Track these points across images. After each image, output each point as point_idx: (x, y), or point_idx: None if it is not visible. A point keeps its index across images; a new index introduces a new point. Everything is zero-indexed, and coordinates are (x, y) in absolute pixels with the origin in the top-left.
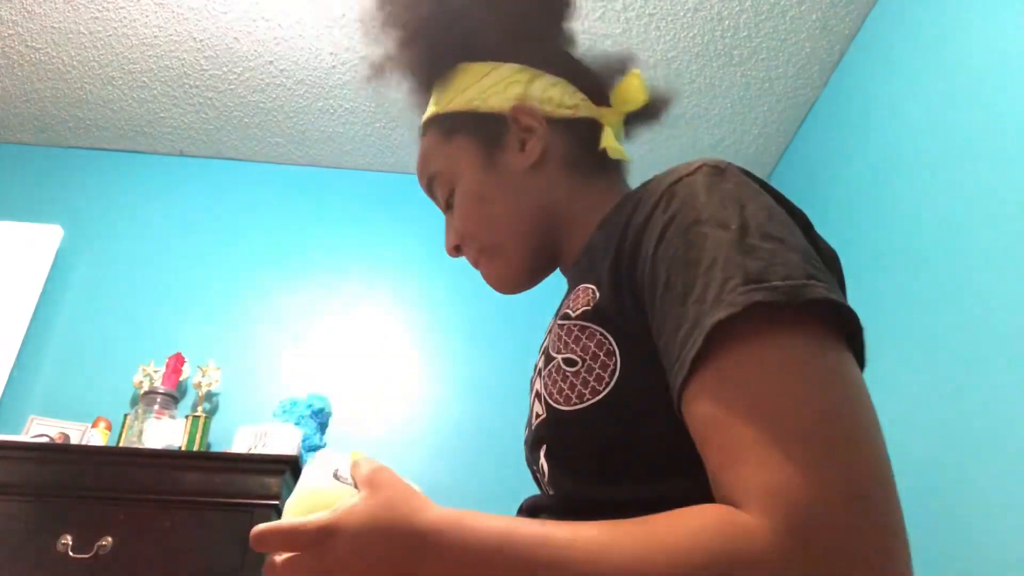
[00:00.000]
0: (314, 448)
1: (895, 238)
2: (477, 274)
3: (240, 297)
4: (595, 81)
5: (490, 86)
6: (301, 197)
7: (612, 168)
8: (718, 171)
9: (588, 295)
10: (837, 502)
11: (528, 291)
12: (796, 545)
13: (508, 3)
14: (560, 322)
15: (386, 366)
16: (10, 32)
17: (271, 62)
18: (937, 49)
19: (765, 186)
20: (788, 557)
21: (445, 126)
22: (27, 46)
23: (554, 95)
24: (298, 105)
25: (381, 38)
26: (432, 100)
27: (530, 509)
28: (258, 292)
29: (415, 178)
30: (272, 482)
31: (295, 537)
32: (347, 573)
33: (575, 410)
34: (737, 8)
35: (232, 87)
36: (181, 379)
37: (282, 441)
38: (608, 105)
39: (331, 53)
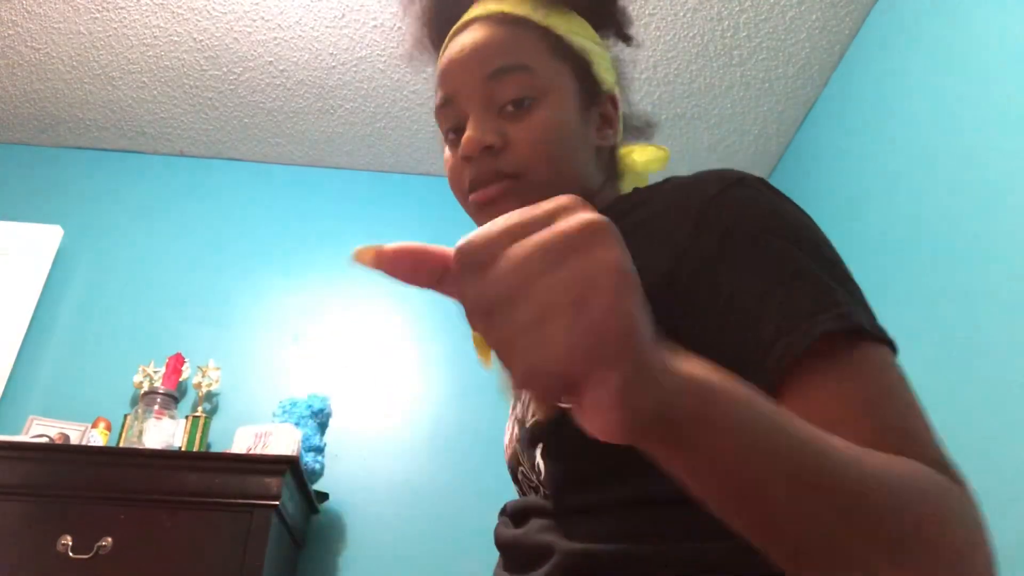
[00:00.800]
0: (314, 448)
1: (895, 238)
2: None
3: (240, 297)
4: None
5: (600, 56)
6: (301, 197)
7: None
8: (760, 183)
9: None
10: (964, 480)
11: None
12: (969, 497)
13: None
14: None
15: (386, 366)
16: (10, 32)
17: (271, 62)
18: (937, 49)
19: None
20: (969, 503)
21: (552, 44)
22: (27, 46)
23: (623, 108)
24: (298, 105)
25: None
26: (514, 2)
27: (519, 512)
28: (258, 292)
29: (415, 178)
30: (272, 482)
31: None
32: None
33: None
34: (737, 8)
35: (232, 87)
36: (181, 379)
37: (282, 441)
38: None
39: (331, 53)
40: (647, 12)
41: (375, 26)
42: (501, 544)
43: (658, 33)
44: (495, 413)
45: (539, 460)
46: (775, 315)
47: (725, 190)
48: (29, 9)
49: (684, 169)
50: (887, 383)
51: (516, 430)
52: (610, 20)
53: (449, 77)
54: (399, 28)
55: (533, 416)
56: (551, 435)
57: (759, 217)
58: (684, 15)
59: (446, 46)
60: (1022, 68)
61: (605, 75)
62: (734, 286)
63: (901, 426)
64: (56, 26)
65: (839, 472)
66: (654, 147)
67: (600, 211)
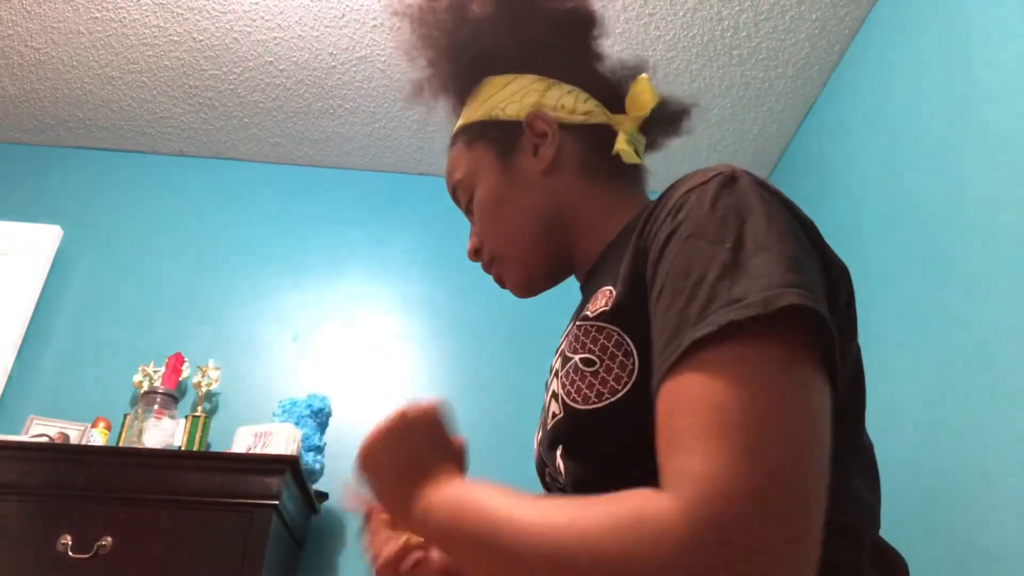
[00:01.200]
0: (314, 448)
1: (896, 237)
2: (478, 274)
3: (240, 297)
4: (610, 89)
5: (509, 95)
6: (301, 197)
7: (629, 175)
8: (729, 181)
9: (606, 296)
10: (747, 495)
11: None
12: (696, 527)
13: (530, 21)
14: (578, 323)
15: (386, 366)
16: (10, 32)
17: (271, 62)
18: (937, 49)
19: (777, 194)
20: (685, 538)
21: (467, 136)
22: (27, 46)
23: (567, 102)
24: (298, 105)
25: (415, 58)
26: (461, 113)
27: None
28: (258, 292)
29: (415, 178)
30: (272, 482)
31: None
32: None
33: (593, 409)
34: (737, 8)
35: (232, 87)
36: (181, 379)
37: (282, 441)
38: (623, 112)
39: (331, 53)
40: (647, 12)
41: (375, 26)
42: None
43: (658, 33)
44: (494, 414)
45: (560, 461)
46: (665, 332)
47: (695, 188)
48: (29, 9)
49: (683, 170)
50: (708, 392)
51: (540, 433)
52: (542, 53)
53: None
54: (399, 28)
55: (552, 418)
56: (568, 437)
57: (700, 217)
58: (684, 15)
59: None
60: (1020, 66)
61: (517, 109)
62: (660, 289)
63: (675, 441)
64: (56, 26)
65: (513, 543)
66: (634, 84)
67: (608, 248)
